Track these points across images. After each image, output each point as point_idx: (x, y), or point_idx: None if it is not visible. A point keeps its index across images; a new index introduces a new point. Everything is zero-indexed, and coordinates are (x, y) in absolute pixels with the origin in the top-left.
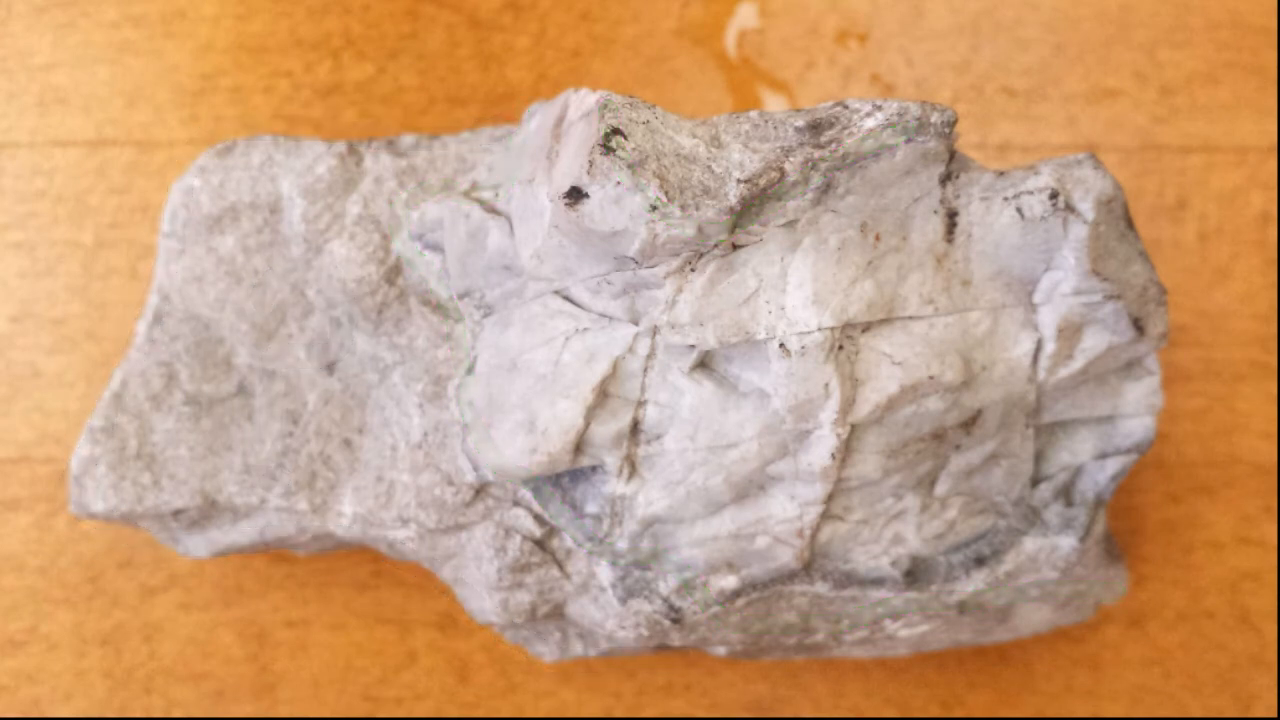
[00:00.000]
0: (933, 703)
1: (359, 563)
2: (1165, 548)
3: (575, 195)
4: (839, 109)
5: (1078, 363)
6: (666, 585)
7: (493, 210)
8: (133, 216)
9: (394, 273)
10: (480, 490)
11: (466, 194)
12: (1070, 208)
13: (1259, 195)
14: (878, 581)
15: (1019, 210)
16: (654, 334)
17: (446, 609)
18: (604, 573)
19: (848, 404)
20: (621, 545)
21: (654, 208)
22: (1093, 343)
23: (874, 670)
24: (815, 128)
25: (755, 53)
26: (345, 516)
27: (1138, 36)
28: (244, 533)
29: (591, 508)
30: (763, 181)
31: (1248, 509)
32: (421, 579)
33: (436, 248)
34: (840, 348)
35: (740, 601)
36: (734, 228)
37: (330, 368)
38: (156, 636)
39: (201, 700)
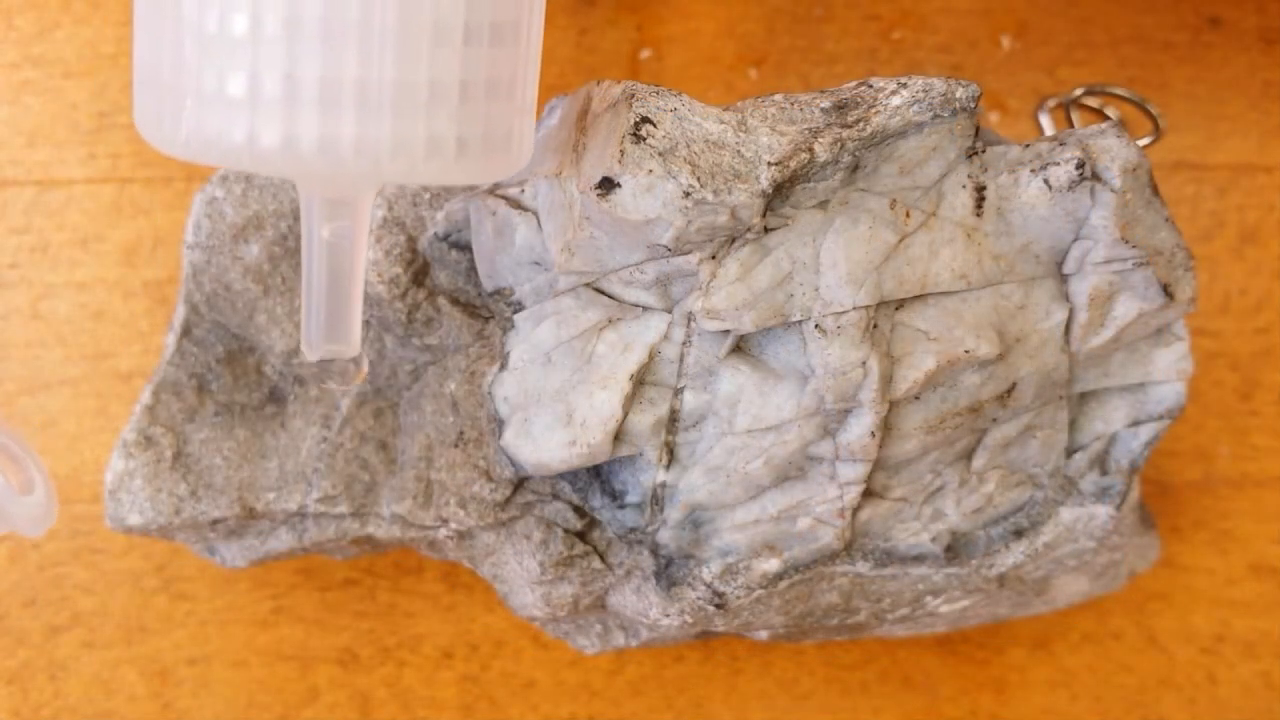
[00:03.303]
0: None
1: (259, 599)
2: None
3: (607, 185)
4: (863, 88)
5: (1109, 331)
6: (709, 571)
7: (519, 206)
8: (32, 256)
9: (422, 274)
10: (519, 485)
11: (490, 191)
12: (1097, 176)
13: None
14: (919, 558)
15: (1046, 181)
16: (689, 321)
17: (347, 644)
18: (646, 562)
19: (886, 381)
20: (663, 534)
21: (687, 194)
22: (1123, 310)
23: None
24: (841, 108)
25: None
26: (384, 518)
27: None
28: (282, 540)
29: (632, 497)
30: (793, 164)
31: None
32: (322, 615)
33: (463, 246)
34: (875, 326)
35: (783, 584)
36: (766, 211)
37: None
38: (61, 675)
39: None
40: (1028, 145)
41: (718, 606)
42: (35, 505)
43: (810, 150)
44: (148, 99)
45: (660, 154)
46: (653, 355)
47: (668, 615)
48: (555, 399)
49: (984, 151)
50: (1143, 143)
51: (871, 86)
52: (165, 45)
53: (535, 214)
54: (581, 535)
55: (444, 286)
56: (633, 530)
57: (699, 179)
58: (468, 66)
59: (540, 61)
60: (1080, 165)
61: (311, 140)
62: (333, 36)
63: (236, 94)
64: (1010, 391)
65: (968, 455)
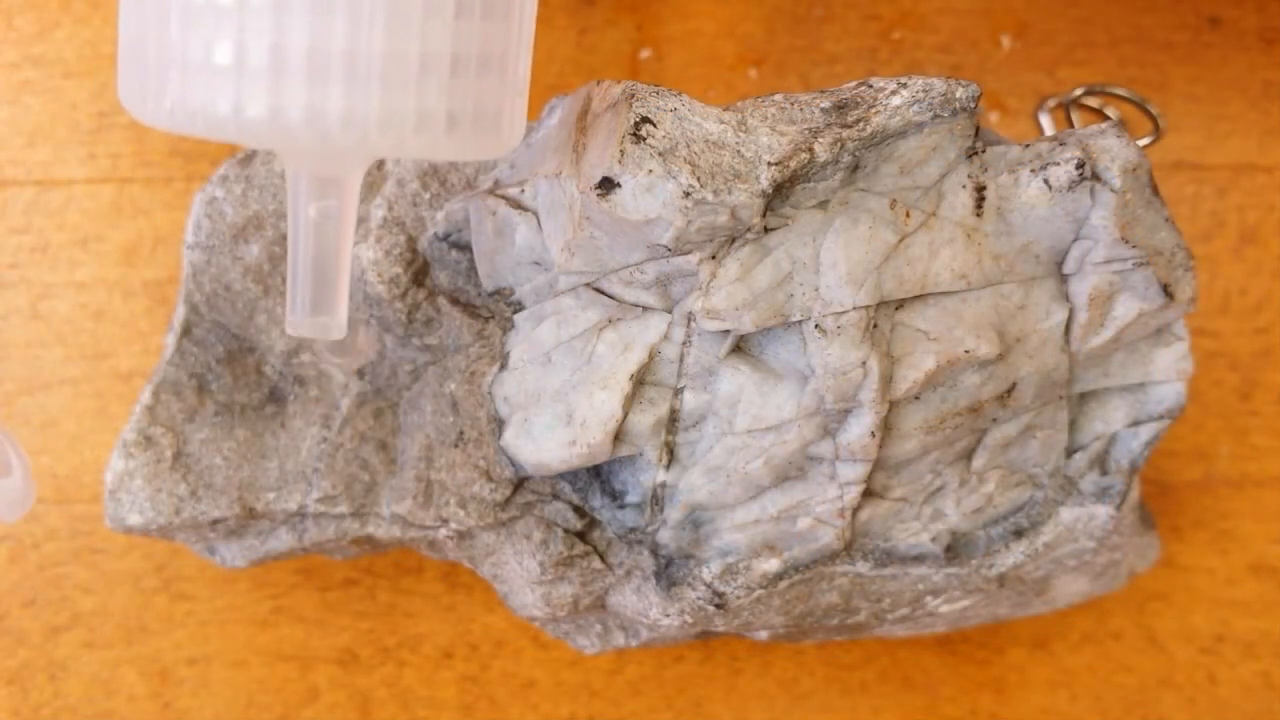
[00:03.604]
0: None
1: (259, 599)
2: None
3: (607, 185)
4: (863, 88)
5: (1109, 331)
6: (709, 571)
7: (519, 206)
8: (32, 256)
9: (422, 274)
10: (519, 485)
11: (490, 192)
12: (1097, 177)
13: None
14: (919, 558)
15: (1046, 182)
16: (689, 321)
17: (347, 644)
18: (646, 562)
19: (886, 382)
20: (663, 534)
21: (687, 194)
22: (1123, 310)
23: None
24: (841, 108)
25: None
26: (384, 518)
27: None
28: (282, 540)
29: (632, 497)
30: (793, 164)
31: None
32: (322, 615)
33: (463, 246)
34: (875, 326)
35: (783, 584)
36: (766, 211)
37: (361, 371)
38: (61, 675)
39: None
40: (1028, 145)
41: (718, 606)
42: (12, 489)
43: (810, 150)
44: (132, 71)
45: (660, 154)
46: (653, 355)
47: (668, 615)
48: (555, 399)
49: (984, 151)
50: (1143, 143)
51: (871, 86)
52: (151, 16)
53: (535, 214)
54: (581, 535)
55: (444, 286)
56: (633, 530)
57: (699, 179)
58: (459, 40)
59: (533, 42)
60: (1080, 165)
61: (298, 111)
62: (321, 6)
63: (222, 63)
64: (1010, 391)
65: (968, 455)
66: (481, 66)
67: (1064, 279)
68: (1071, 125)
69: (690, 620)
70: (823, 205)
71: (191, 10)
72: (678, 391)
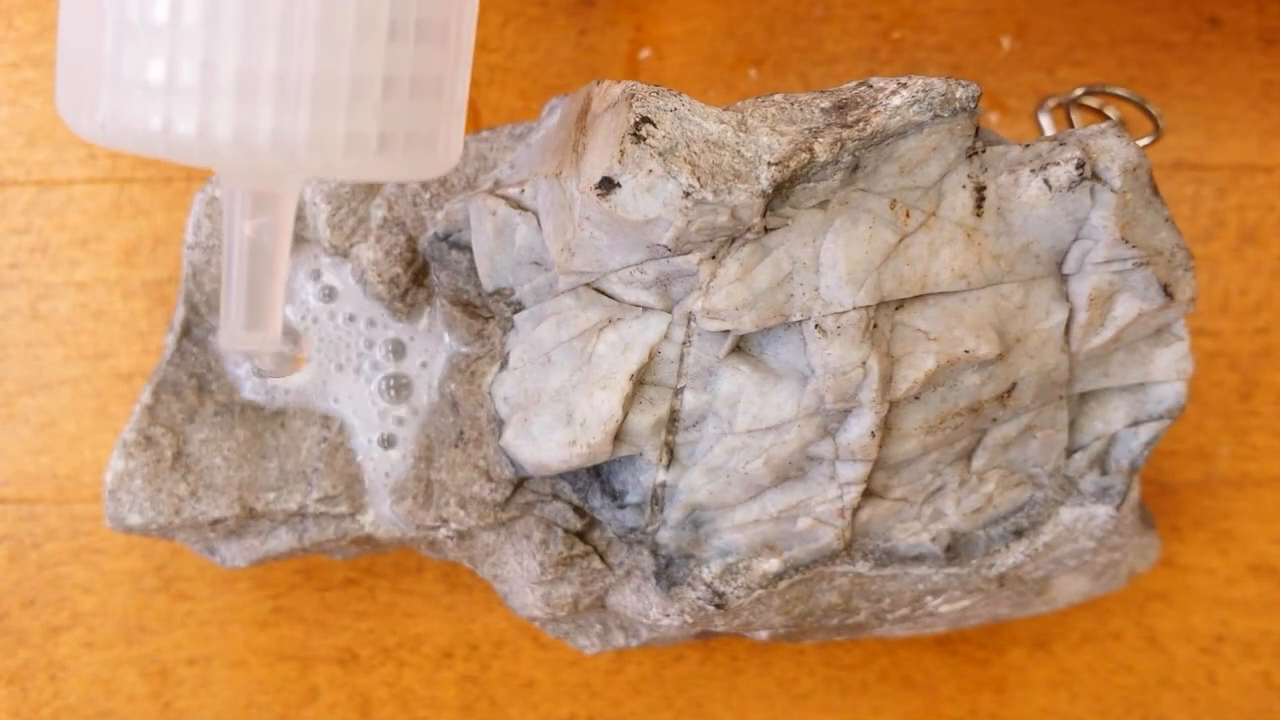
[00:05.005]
0: None
1: (259, 599)
2: None
3: (607, 185)
4: (863, 88)
5: (1109, 331)
6: (709, 571)
7: (519, 206)
8: (32, 256)
9: (422, 274)
10: (519, 485)
11: (490, 192)
12: (1097, 176)
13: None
14: (918, 558)
15: (1046, 182)
16: (689, 321)
17: (347, 644)
18: (646, 562)
19: (886, 382)
20: (663, 534)
21: (687, 194)
22: (1123, 310)
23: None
24: (841, 108)
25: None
26: (384, 518)
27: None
28: (282, 540)
29: (632, 497)
30: (793, 164)
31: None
32: (322, 615)
33: (463, 246)
34: (875, 326)
35: (783, 584)
36: (766, 211)
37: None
38: (61, 675)
39: None
40: (1028, 145)
41: (718, 606)
42: None
43: (810, 150)
44: (69, 83)
45: (660, 154)
46: (653, 355)
47: (668, 615)
48: (555, 399)
49: (984, 151)
50: (1143, 143)
51: (871, 86)
52: (87, 30)
53: (535, 214)
54: (581, 535)
55: (444, 286)
56: (633, 530)
57: (699, 179)
58: (392, 62)
59: (471, 65)
60: (1080, 165)
61: (227, 130)
62: (253, 27)
63: (154, 80)
64: (1010, 391)
65: (968, 455)
66: (416, 89)
67: (1064, 279)
68: (1071, 125)
69: (690, 620)
70: (823, 205)
71: (125, 26)
72: (678, 391)
